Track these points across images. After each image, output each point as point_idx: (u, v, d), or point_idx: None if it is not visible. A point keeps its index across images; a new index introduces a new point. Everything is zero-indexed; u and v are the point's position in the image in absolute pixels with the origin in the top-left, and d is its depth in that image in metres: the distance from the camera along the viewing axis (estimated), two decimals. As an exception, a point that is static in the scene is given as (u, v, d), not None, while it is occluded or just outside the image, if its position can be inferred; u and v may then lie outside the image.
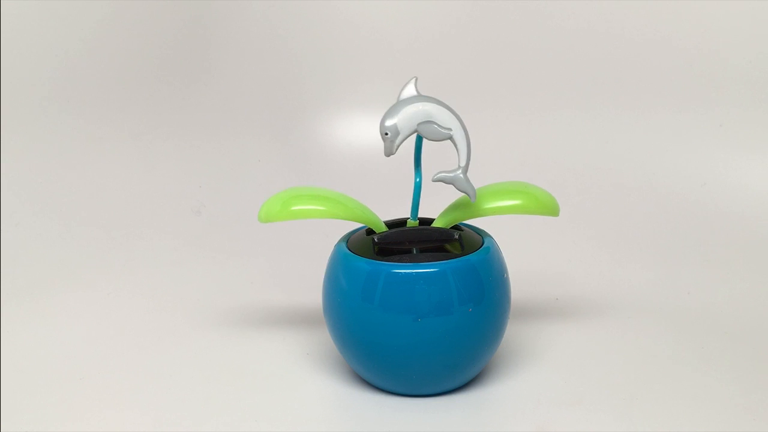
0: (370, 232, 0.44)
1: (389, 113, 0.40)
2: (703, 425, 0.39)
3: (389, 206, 0.49)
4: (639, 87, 0.74)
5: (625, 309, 0.52)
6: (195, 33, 0.79)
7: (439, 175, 0.40)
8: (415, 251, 0.41)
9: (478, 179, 0.44)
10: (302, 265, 0.59)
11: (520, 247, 0.51)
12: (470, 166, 0.41)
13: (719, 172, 0.69)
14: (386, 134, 0.40)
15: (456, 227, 0.44)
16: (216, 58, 0.80)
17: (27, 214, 0.66)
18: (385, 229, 0.43)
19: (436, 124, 0.40)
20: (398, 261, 0.40)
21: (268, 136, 0.80)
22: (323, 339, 0.48)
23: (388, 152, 0.40)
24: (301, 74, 0.81)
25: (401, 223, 0.44)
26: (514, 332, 0.49)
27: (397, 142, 0.40)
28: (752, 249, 0.61)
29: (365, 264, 0.40)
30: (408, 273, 0.39)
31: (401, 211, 0.45)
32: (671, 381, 0.43)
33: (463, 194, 0.42)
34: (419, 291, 0.39)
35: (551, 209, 0.43)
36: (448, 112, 0.40)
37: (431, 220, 0.44)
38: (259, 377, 0.45)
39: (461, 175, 0.40)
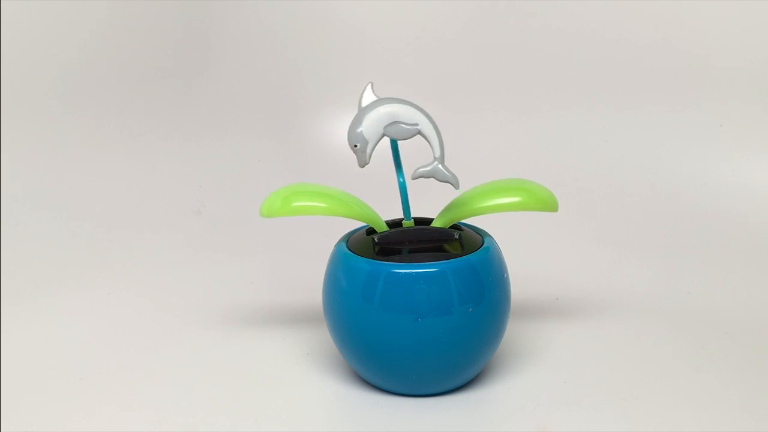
0: (370, 232, 0.44)
1: (353, 124, 0.40)
2: (703, 425, 0.39)
3: (389, 206, 0.49)
4: (639, 87, 0.74)
5: (625, 309, 0.52)
6: (195, 33, 0.79)
7: (418, 171, 0.40)
8: (415, 251, 0.41)
9: (478, 179, 0.45)
10: (302, 265, 0.59)
11: (520, 247, 0.51)
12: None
13: (719, 172, 0.69)
14: (356, 146, 0.40)
15: (456, 227, 0.44)
16: (216, 59, 0.80)
17: (27, 214, 0.66)
18: (385, 228, 0.43)
19: (402, 122, 0.40)
20: (398, 261, 0.40)
21: (268, 136, 0.80)
22: (323, 339, 0.48)
23: (362, 163, 0.40)
24: (301, 74, 0.81)
25: (397, 224, 0.44)
26: (514, 332, 0.49)
27: (368, 150, 0.40)
28: (752, 249, 0.61)
29: (365, 264, 0.40)
30: (408, 273, 0.39)
31: (401, 211, 0.45)
32: (671, 381, 0.43)
33: (460, 192, 0.41)
34: (419, 291, 0.39)
35: (550, 205, 0.43)
36: (411, 108, 0.40)
37: (430, 220, 0.44)
38: (259, 377, 0.45)
39: (439, 166, 0.40)
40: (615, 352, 0.47)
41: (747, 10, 0.70)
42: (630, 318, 0.51)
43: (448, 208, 0.43)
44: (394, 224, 0.44)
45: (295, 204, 0.42)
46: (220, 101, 0.80)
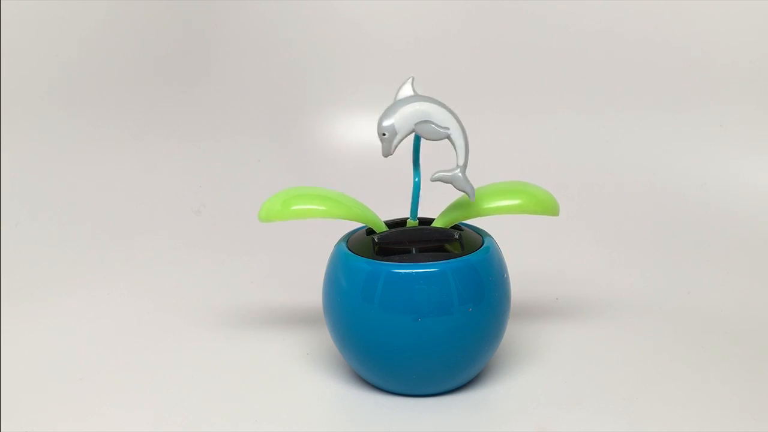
0: (370, 232, 0.44)
1: (386, 113, 0.40)
2: (703, 425, 0.39)
3: (389, 206, 0.49)
4: (639, 87, 0.74)
5: (625, 309, 0.52)
6: (195, 33, 0.79)
7: (438, 174, 0.40)
8: (415, 251, 0.41)
9: (478, 180, 0.44)
10: (302, 265, 0.59)
11: (520, 247, 0.51)
12: (471, 165, 0.41)
13: (719, 172, 0.69)
14: (384, 135, 0.40)
15: (456, 227, 0.44)
16: (216, 59, 0.80)
17: (27, 214, 0.66)
18: (385, 229, 0.43)
19: (434, 123, 0.40)
20: (398, 261, 0.40)
21: (268, 136, 0.80)
22: (323, 339, 0.48)
23: (386, 153, 0.40)
24: (301, 74, 0.81)
25: (401, 223, 0.44)
26: (514, 332, 0.49)
27: (395, 142, 0.40)
28: (752, 249, 0.61)
29: (365, 264, 0.40)
30: (408, 273, 0.39)
31: (401, 211, 0.45)
32: (671, 381, 0.43)
33: (462, 194, 0.42)
34: (419, 291, 0.39)
35: (551, 209, 0.43)
36: (445, 111, 0.40)
37: (431, 220, 0.44)
38: (259, 377, 0.45)
39: (460, 174, 0.40)
40: (615, 352, 0.47)
41: (747, 10, 0.70)
42: (630, 318, 0.51)
43: (449, 209, 0.43)
44: (396, 224, 0.44)
45: (294, 207, 0.42)
46: (221, 101, 0.80)
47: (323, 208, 0.42)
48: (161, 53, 0.77)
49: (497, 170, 0.58)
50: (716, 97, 0.71)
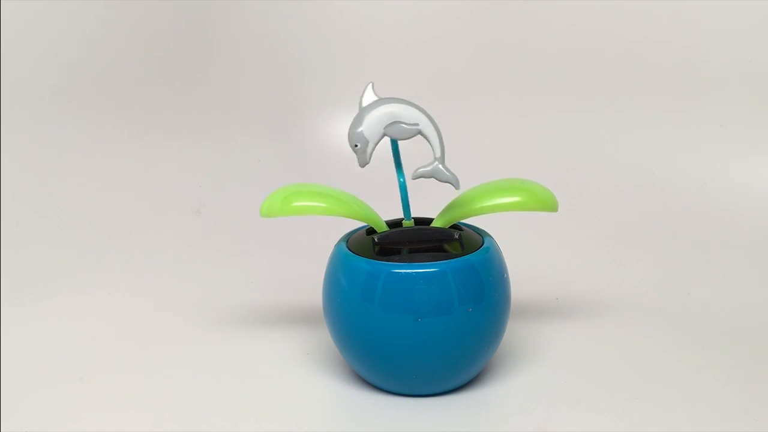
0: (370, 232, 0.44)
1: (354, 124, 0.40)
2: (703, 425, 0.39)
3: (389, 206, 0.49)
4: (639, 87, 0.74)
5: (625, 309, 0.52)
6: (195, 33, 0.79)
7: (418, 171, 0.40)
8: (415, 251, 0.41)
9: (478, 179, 0.45)
10: (302, 265, 0.59)
11: (520, 247, 0.51)
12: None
13: (719, 172, 0.69)
14: (356, 146, 0.40)
15: (456, 227, 0.44)
16: (216, 59, 0.80)
17: (27, 214, 0.66)
18: (385, 228, 0.43)
19: (402, 122, 0.40)
20: (398, 261, 0.40)
21: (268, 136, 0.80)
22: (323, 339, 0.48)
23: (363, 162, 0.40)
24: (301, 74, 0.81)
25: (397, 224, 0.44)
26: (514, 332, 0.49)
27: (369, 150, 0.40)
28: (752, 249, 0.61)
29: (365, 264, 0.40)
30: (408, 273, 0.39)
31: (401, 211, 0.45)
32: (671, 381, 0.43)
33: (459, 192, 0.42)
34: (419, 291, 0.39)
35: (550, 205, 0.43)
36: (411, 108, 0.40)
37: (430, 220, 0.44)
38: (259, 377, 0.45)
39: (439, 166, 0.40)
40: (615, 352, 0.47)
41: (747, 10, 0.70)
42: (630, 318, 0.51)
43: (448, 208, 0.43)
44: (394, 224, 0.44)
45: (295, 204, 0.42)
46: (221, 101, 0.80)
47: (324, 205, 0.42)
48: (161, 53, 0.77)
49: (497, 170, 0.58)
50: (716, 97, 0.71)
